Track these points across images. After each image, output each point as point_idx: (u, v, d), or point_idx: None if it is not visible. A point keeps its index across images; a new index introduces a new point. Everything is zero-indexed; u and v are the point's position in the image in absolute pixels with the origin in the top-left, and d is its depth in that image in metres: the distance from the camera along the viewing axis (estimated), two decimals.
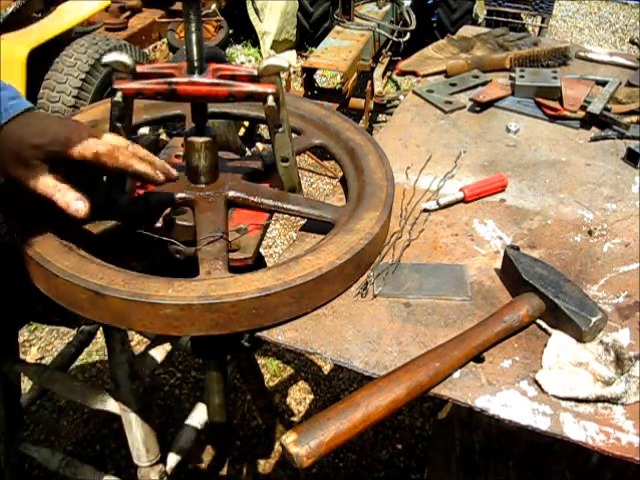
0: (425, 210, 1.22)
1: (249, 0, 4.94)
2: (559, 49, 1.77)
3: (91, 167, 0.92)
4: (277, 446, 2.12)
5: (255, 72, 1.04)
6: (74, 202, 0.89)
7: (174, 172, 1.02)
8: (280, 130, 1.10)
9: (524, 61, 1.73)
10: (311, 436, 0.78)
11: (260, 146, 3.84)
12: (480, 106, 1.59)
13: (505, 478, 1.27)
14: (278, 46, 5.06)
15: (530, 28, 5.58)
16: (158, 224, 1.07)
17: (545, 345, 0.94)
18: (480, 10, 4.92)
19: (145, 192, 1.11)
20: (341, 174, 1.26)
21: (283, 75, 1.09)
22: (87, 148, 0.90)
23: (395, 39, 4.25)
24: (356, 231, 1.04)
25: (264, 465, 2.09)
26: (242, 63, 4.92)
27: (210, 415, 1.37)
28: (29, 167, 0.87)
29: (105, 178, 1.04)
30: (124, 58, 1.01)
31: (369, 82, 3.68)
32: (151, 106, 1.33)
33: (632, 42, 2.06)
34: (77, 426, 2.22)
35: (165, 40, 4.31)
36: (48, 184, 0.89)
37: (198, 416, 1.66)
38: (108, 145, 0.92)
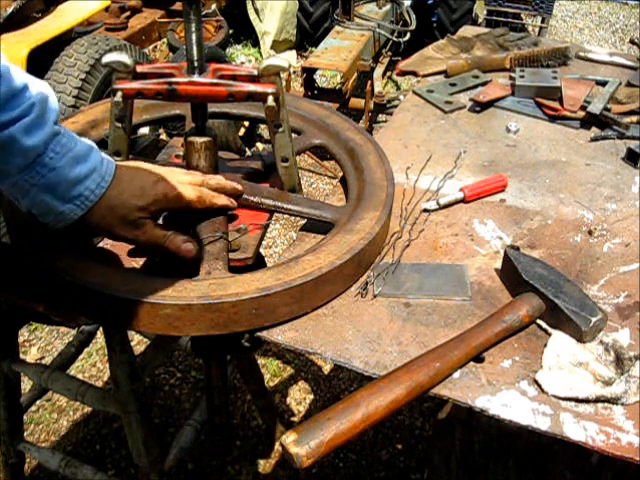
0: (425, 210, 1.22)
1: (249, 0, 4.94)
2: (559, 49, 1.77)
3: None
4: (277, 446, 2.12)
5: (255, 72, 1.04)
6: (183, 245, 0.98)
7: (239, 187, 1.09)
8: (280, 130, 1.10)
9: (524, 61, 1.73)
10: (311, 436, 0.78)
11: (260, 146, 3.84)
12: (480, 106, 1.59)
13: (505, 478, 1.27)
14: (278, 46, 5.05)
15: (530, 28, 5.57)
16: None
17: (545, 345, 0.94)
18: (480, 10, 4.92)
19: None
20: (341, 174, 1.26)
21: (283, 75, 1.09)
22: (181, 200, 1.00)
23: (395, 39, 4.24)
24: (356, 231, 1.04)
25: (264, 465, 2.09)
26: (242, 63, 4.92)
27: (210, 415, 1.37)
28: (138, 226, 0.96)
29: None
30: (124, 58, 1.01)
31: (369, 82, 3.68)
32: (151, 106, 1.33)
33: (632, 42, 2.06)
34: (77, 426, 2.22)
35: (165, 40, 4.31)
36: (158, 235, 0.98)
37: (198, 416, 1.65)
38: (195, 191, 1.01)
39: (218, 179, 1.08)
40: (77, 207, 0.92)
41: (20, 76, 0.86)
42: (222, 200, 1.06)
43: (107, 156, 0.97)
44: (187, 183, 1.02)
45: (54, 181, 0.89)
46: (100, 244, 1.06)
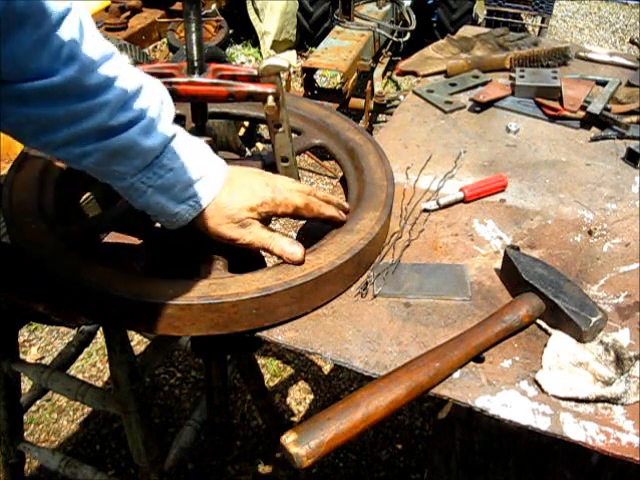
0: (425, 210, 1.22)
1: (249, 0, 4.94)
2: (559, 49, 1.77)
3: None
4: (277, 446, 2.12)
5: (255, 72, 1.04)
6: (288, 247, 0.97)
7: (347, 205, 1.10)
8: (280, 130, 1.10)
9: (524, 61, 1.73)
10: (311, 436, 0.78)
11: (260, 146, 3.84)
12: (480, 106, 1.59)
13: (505, 478, 1.27)
14: (278, 46, 5.05)
15: (530, 28, 5.57)
16: (158, 224, 1.07)
17: (545, 345, 0.94)
18: (480, 10, 4.92)
19: None
20: (341, 174, 1.26)
21: (283, 75, 1.08)
22: (289, 205, 0.99)
23: (395, 39, 4.24)
24: (356, 231, 1.04)
25: (264, 465, 2.09)
26: (242, 63, 4.92)
27: (210, 415, 1.37)
28: (245, 226, 0.95)
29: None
30: (124, 58, 1.01)
31: (369, 82, 3.68)
32: None
33: (632, 42, 2.06)
34: (77, 426, 2.22)
35: (165, 40, 4.31)
36: (264, 236, 0.97)
37: (198, 416, 1.66)
38: (303, 198, 1.01)
39: (326, 192, 1.08)
40: (191, 207, 0.92)
41: (136, 77, 0.85)
42: (330, 210, 1.05)
43: (219, 157, 0.97)
44: (295, 190, 1.01)
45: (171, 182, 0.89)
46: (105, 239, 1.06)
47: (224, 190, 0.94)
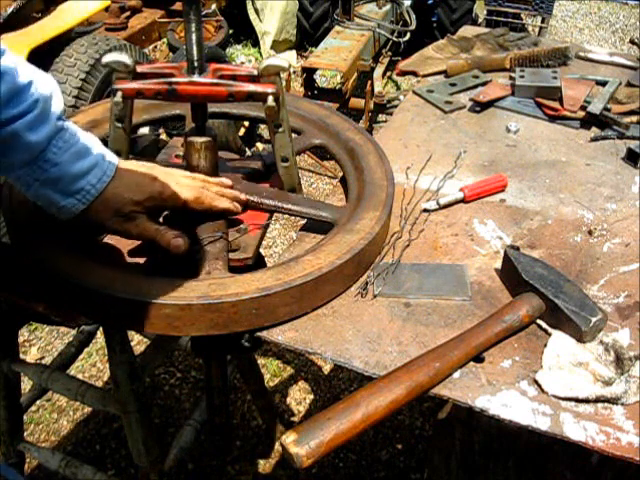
0: (425, 210, 1.22)
1: (249, 0, 4.94)
2: (559, 49, 1.77)
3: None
4: (277, 446, 2.11)
5: (255, 72, 1.04)
6: (173, 240, 0.98)
7: (243, 197, 1.10)
8: (280, 130, 1.10)
9: (524, 61, 1.73)
10: (311, 436, 0.78)
11: (260, 146, 3.84)
12: (480, 106, 1.59)
13: (505, 478, 1.27)
14: (278, 46, 5.05)
15: (530, 28, 5.57)
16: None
17: (545, 345, 0.94)
18: (480, 10, 4.92)
19: None
20: (341, 174, 1.26)
21: (283, 75, 1.09)
22: (177, 200, 1.01)
23: (395, 39, 4.24)
24: (356, 231, 1.04)
25: (264, 465, 2.09)
26: (242, 63, 4.92)
27: (210, 415, 1.37)
28: (130, 219, 0.97)
29: None
30: (124, 58, 1.01)
31: (369, 82, 3.68)
32: (151, 106, 1.33)
33: (632, 42, 2.06)
34: (77, 426, 2.22)
35: (165, 40, 4.31)
36: (150, 229, 0.99)
37: (198, 416, 1.65)
38: (194, 191, 1.02)
39: (222, 185, 1.09)
40: (78, 202, 0.93)
41: (26, 72, 0.87)
42: (223, 203, 1.06)
43: (110, 152, 0.98)
44: (186, 185, 1.02)
45: (56, 176, 0.91)
46: (105, 239, 1.06)
47: (111, 185, 0.95)
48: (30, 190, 0.92)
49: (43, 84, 0.89)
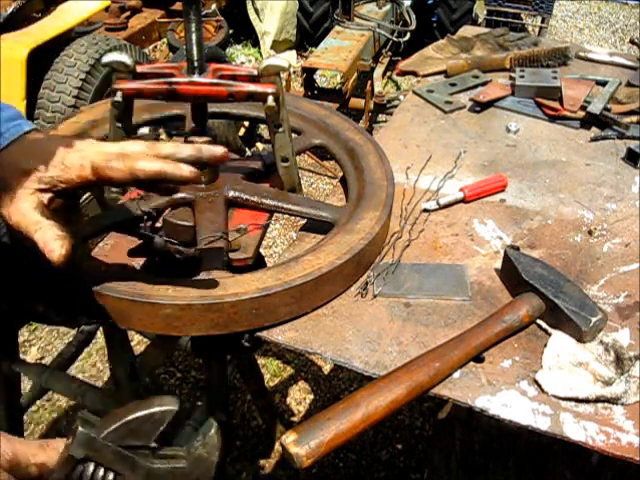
0: (425, 210, 1.22)
1: (249, 0, 4.94)
2: (559, 49, 1.77)
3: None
4: (277, 446, 2.11)
5: (255, 72, 1.04)
6: (52, 242, 0.76)
7: (219, 150, 0.84)
8: (280, 130, 1.09)
9: (524, 61, 1.73)
10: (311, 436, 0.78)
11: (260, 146, 3.84)
12: (480, 106, 1.59)
13: (505, 478, 1.27)
14: (278, 46, 5.05)
15: (530, 28, 5.57)
16: (158, 224, 1.07)
17: (545, 345, 0.94)
18: (480, 10, 4.92)
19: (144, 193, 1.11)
20: (341, 174, 1.26)
21: (283, 75, 1.09)
22: (80, 169, 0.77)
23: (395, 39, 4.24)
24: (356, 231, 1.04)
25: (264, 465, 2.09)
26: (242, 63, 4.92)
27: (210, 415, 1.36)
28: (13, 199, 0.77)
29: None
30: (124, 58, 1.01)
31: (369, 82, 3.68)
32: (151, 106, 1.33)
33: (632, 42, 2.06)
34: None
35: (165, 40, 4.31)
36: (30, 220, 0.77)
37: (198, 416, 1.65)
38: (103, 155, 0.79)
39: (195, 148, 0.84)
40: None
41: None
42: (150, 165, 0.78)
43: (30, 124, 0.83)
44: (102, 151, 0.79)
45: None
46: (100, 244, 1.06)
47: (8, 149, 0.78)
48: None
49: None
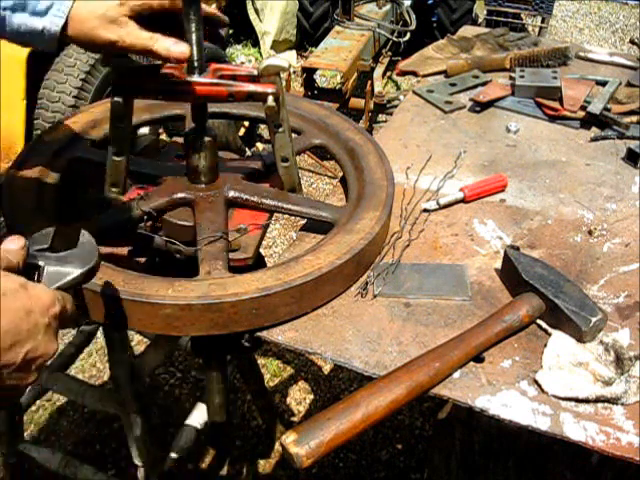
0: (425, 210, 1.22)
1: (249, 0, 4.94)
2: (559, 49, 1.77)
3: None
4: (277, 446, 2.11)
5: (255, 72, 1.04)
6: (174, 46, 0.89)
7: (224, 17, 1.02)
8: (280, 130, 1.09)
9: (524, 61, 1.73)
10: (311, 436, 0.78)
11: (260, 146, 3.84)
12: (480, 106, 1.59)
13: (505, 478, 1.27)
14: (278, 46, 5.05)
15: (530, 28, 5.57)
16: (158, 224, 1.07)
17: (545, 345, 0.94)
18: (480, 10, 4.92)
19: (144, 193, 1.11)
20: (341, 174, 1.26)
21: (283, 75, 1.09)
22: None
23: (395, 39, 4.24)
24: (356, 231, 1.04)
25: (264, 465, 2.09)
26: (242, 63, 4.92)
27: (210, 415, 1.37)
28: (121, 25, 0.88)
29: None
30: (124, 58, 1.01)
31: (369, 82, 3.68)
32: (151, 106, 1.33)
33: (632, 42, 2.06)
34: (77, 426, 2.22)
35: None
36: (144, 37, 0.89)
37: (198, 416, 1.65)
38: None
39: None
40: (56, 17, 0.87)
41: None
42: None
43: None
44: None
45: None
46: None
47: None
48: (8, 27, 0.86)
49: None
